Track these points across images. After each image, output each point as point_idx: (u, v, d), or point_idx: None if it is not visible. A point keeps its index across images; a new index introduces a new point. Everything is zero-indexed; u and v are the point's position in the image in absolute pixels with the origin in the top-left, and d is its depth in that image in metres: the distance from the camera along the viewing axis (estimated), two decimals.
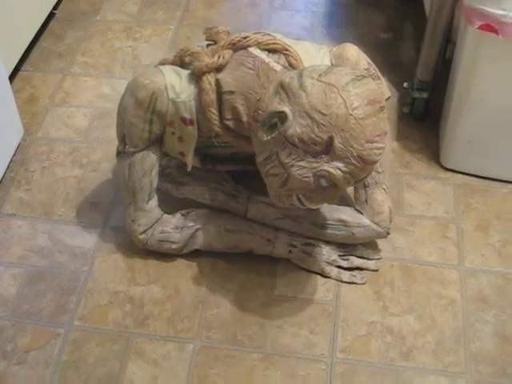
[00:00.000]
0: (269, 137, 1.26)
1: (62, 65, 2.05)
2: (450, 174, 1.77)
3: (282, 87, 1.26)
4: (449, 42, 1.77)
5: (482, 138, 1.68)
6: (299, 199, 1.31)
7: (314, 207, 1.35)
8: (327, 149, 1.21)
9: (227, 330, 1.45)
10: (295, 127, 1.22)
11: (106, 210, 1.67)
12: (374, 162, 1.24)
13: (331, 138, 1.20)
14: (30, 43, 2.05)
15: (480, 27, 1.49)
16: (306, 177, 1.25)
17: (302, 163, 1.24)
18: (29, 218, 1.65)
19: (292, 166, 1.25)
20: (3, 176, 1.72)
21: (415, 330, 1.46)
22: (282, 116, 1.24)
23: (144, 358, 1.41)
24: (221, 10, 2.27)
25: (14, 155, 1.77)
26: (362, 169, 1.23)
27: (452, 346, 1.44)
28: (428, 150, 1.81)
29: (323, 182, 1.25)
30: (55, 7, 2.20)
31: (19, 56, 1.97)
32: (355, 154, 1.20)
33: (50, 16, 2.17)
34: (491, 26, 1.47)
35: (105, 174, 1.75)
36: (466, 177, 1.76)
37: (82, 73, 2.03)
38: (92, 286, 1.52)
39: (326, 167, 1.22)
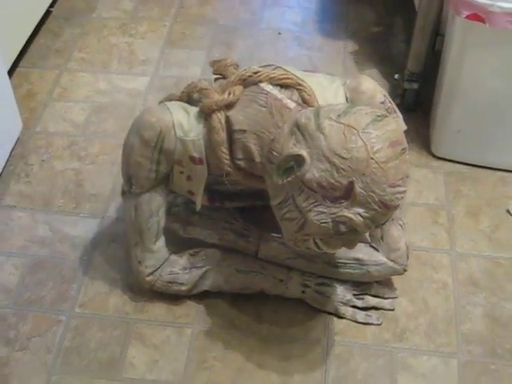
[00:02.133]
0: (284, 181, 1.19)
1: (59, 61, 2.09)
2: (440, 162, 1.81)
3: (298, 128, 1.19)
4: (438, 34, 1.81)
5: (472, 126, 1.72)
6: (316, 243, 1.24)
7: (332, 252, 1.30)
8: (347, 194, 1.14)
9: (224, 315, 1.48)
10: (313, 171, 1.15)
11: (105, 200, 1.70)
12: (397, 207, 1.17)
13: (351, 183, 1.13)
14: (28, 41, 2.08)
15: (467, 17, 1.53)
16: (325, 222, 1.18)
17: (320, 208, 1.17)
18: (29, 209, 1.68)
19: (310, 210, 1.18)
20: (3, 169, 1.75)
21: (408, 312, 1.50)
22: (298, 159, 1.17)
23: (144, 343, 1.44)
24: (215, 7, 2.31)
25: (13, 149, 1.81)
26: (383, 214, 1.17)
27: (444, 328, 1.48)
28: (419, 140, 1.85)
29: (342, 228, 1.18)
30: (51, 5, 2.23)
31: (17, 53, 2.00)
32: (377, 199, 1.14)
33: (47, 14, 2.20)
34: (478, 16, 1.51)
35: (103, 166, 1.78)
36: (457, 165, 1.80)
37: (78, 68, 2.06)
38: (92, 274, 1.56)
39: (346, 213, 1.16)
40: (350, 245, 1.24)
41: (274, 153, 1.24)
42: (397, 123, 1.19)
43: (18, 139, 1.83)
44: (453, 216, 1.69)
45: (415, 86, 1.86)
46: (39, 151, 1.82)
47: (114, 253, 1.59)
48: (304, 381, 1.39)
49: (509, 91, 1.64)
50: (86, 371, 1.40)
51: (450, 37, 1.66)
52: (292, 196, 1.20)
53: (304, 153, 1.16)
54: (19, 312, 1.49)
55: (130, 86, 2.00)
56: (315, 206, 1.17)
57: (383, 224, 1.22)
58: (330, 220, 1.17)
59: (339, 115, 1.16)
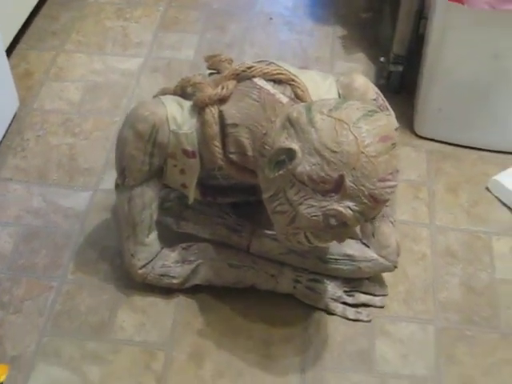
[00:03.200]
0: (276, 174, 1.21)
1: (56, 43, 2.14)
2: (423, 141, 1.87)
3: (290, 122, 1.20)
4: (422, 17, 1.87)
5: (453, 106, 1.78)
6: (307, 237, 1.25)
7: (322, 245, 1.32)
8: (337, 187, 1.16)
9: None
10: (304, 165, 1.17)
11: (98, 174, 1.76)
12: (386, 201, 1.19)
13: (342, 177, 1.15)
14: (26, 24, 2.14)
15: None
16: (315, 216, 1.19)
17: (310, 201, 1.18)
18: (24, 182, 1.74)
19: (300, 204, 1.19)
20: (0, 144, 1.81)
21: (388, 281, 1.55)
22: (290, 153, 1.18)
23: (132, 308, 1.50)
24: None
25: (10, 125, 1.86)
26: (373, 208, 1.18)
27: (422, 296, 1.54)
28: (402, 120, 1.88)
29: (333, 221, 1.19)
30: None
31: (14, 34, 2.05)
32: (367, 193, 1.15)
33: None
34: None
35: (96, 141, 1.84)
36: (439, 144, 1.86)
37: (75, 50, 2.12)
38: (84, 242, 1.61)
39: (336, 206, 1.17)
40: (340, 239, 1.25)
41: (266, 146, 1.25)
42: (387, 119, 1.20)
43: (14, 116, 1.89)
44: (433, 192, 1.75)
45: (400, 68, 1.92)
46: (35, 127, 1.88)
47: (106, 223, 1.65)
48: (285, 341, 1.45)
49: (487, 71, 1.69)
50: (77, 333, 1.46)
51: (432, 18, 1.72)
52: (283, 189, 1.21)
53: (295, 146, 1.17)
54: (13, 277, 1.54)
55: (124, 67, 2.06)
56: (306, 200, 1.19)
57: (373, 218, 1.23)
58: (320, 213, 1.19)
59: (331, 110, 1.18)
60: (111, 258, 1.58)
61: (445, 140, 1.85)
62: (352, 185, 1.15)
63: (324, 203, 1.18)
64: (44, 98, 1.96)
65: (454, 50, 1.68)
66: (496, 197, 1.73)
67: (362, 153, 1.14)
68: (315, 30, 2.20)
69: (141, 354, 1.43)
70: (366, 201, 1.16)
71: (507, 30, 1.61)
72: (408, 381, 1.40)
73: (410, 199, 1.72)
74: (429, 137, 1.86)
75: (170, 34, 2.18)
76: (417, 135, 1.87)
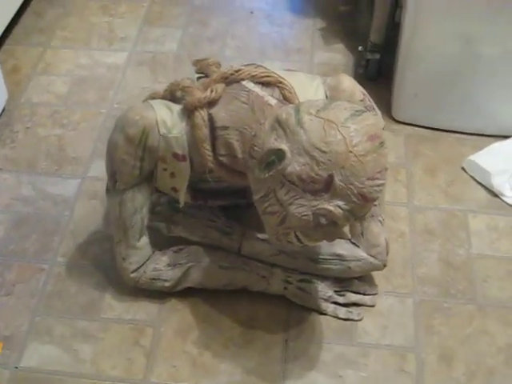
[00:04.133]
0: (266, 175, 1.22)
1: (43, 39, 2.20)
2: (401, 125, 1.93)
3: (279, 123, 1.22)
4: (398, 6, 1.93)
5: (427, 90, 1.84)
6: (297, 237, 1.26)
7: (313, 244, 1.33)
8: (327, 187, 1.17)
9: None
10: (294, 165, 1.18)
11: (85, 162, 1.81)
12: (375, 199, 1.20)
13: (331, 176, 1.16)
14: (13, 21, 2.18)
15: None
16: (305, 215, 1.21)
17: (300, 201, 1.20)
18: (14, 171, 1.79)
19: (290, 204, 1.21)
20: None
21: None
22: (279, 154, 1.19)
23: (120, 289, 1.54)
24: None
25: None
26: (362, 206, 1.20)
27: (401, 271, 1.59)
28: (381, 106, 1.88)
29: (323, 221, 1.21)
30: None
31: (1, 31, 2.10)
32: (356, 191, 1.17)
33: None
34: None
35: (83, 132, 1.89)
36: (416, 128, 1.92)
37: (61, 46, 2.17)
38: (73, 227, 1.66)
39: (326, 205, 1.18)
40: (331, 237, 1.27)
41: (256, 148, 1.27)
42: (375, 118, 1.22)
43: (3, 109, 1.93)
44: (411, 173, 1.80)
45: (377, 56, 1.98)
46: (24, 119, 1.92)
47: (94, 209, 1.70)
48: (269, 316, 1.50)
49: (459, 56, 1.75)
50: (67, 313, 1.50)
51: (406, 5, 1.77)
52: (273, 190, 1.22)
53: (285, 147, 1.19)
54: (4, 262, 1.59)
55: (109, 61, 2.11)
56: (296, 199, 1.20)
57: (362, 216, 1.25)
58: (310, 213, 1.20)
59: (319, 110, 1.19)
60: (100, 241, 1.63)
61: (422, 124, 1.91)
62: (341, 184, 1.16)
63: (314, 203, 1.19)
64: (32, 91, 2.01)
65: (426, 36, 1.74)
66: (471, 176, 1.79)
67: (351, 152, 1.15)
68: (295, 23, 2.26)
69: (130, 331, 1.47)
70: (355, 199, 1.18)
71: (477, 15, 1.67)
72: (388, 350, 1.45)
73: (389, 181, 1.75)
74: (406, 121, 1.92)
75: (154, 28, 2.24)
76: (395, 120, 1.93)
